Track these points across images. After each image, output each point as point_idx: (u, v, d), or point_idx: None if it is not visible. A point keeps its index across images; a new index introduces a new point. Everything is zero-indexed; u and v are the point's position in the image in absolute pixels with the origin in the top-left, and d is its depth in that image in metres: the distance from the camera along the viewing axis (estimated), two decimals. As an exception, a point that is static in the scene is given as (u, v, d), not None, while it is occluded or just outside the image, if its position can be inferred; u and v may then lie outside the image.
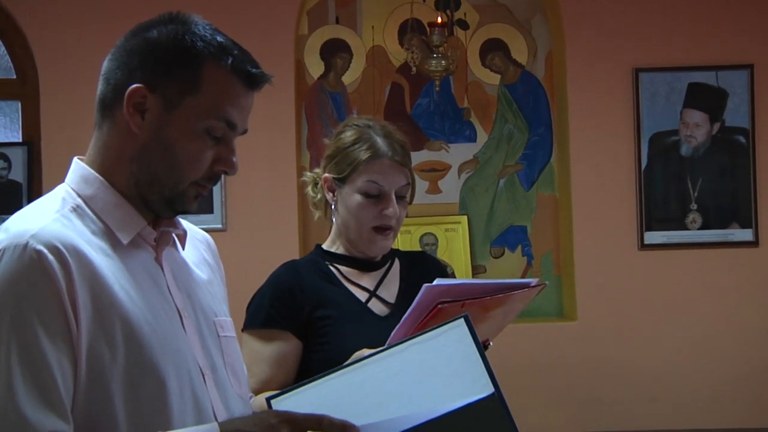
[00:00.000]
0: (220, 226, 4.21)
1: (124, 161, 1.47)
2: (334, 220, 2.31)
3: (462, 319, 1.52)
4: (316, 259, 2.31)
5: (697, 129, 4.34)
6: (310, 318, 2.19)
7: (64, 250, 1.36)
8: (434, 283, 1.97)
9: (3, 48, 4.37)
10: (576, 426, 4.16)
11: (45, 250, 1.35)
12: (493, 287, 2.02)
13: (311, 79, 4.48)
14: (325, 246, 2.33)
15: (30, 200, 4.09)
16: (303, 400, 1.44)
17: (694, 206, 4.34)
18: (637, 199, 4.32)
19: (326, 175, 2.28)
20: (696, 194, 4.34)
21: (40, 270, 1.34)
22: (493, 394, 1.42)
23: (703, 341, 4.29)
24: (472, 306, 1.93)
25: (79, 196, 1.47)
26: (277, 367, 2.16)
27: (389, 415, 1.40)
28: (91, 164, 1.50)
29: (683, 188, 4.34)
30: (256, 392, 2.07)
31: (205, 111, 1.45)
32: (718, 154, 4.34)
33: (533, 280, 2.08)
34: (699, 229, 4.33)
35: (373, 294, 2.26)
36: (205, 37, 1.46)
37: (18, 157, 4.26)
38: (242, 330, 2.20)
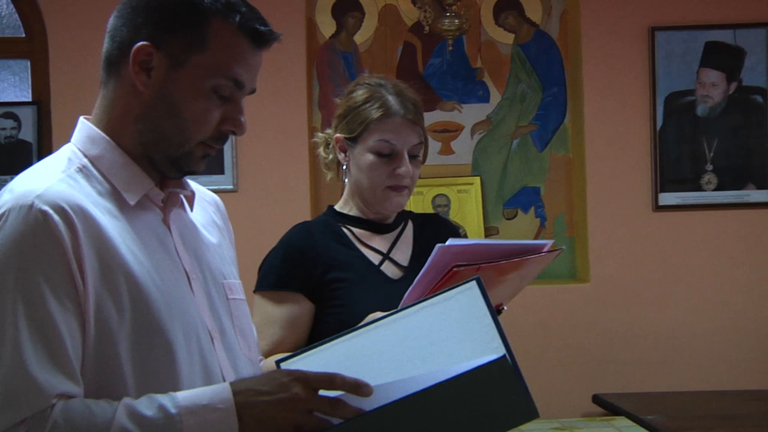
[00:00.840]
0: (231, 186, 4.19)
1: (130, 120, 1.45)
2: (346, 180, 2.29)
3: (474, 282, 1.51)
4: (329, 220, 2.29)
5: (713, 88, 4.29)
6: (323, 280, 2.17)
7: (70, 211, 1.35)
8: (447, 243, 1.95)
9: (11, 6, 4.34)
10: (587, 387, 4.16)
11: (50, 211, 1.33)
12: (507, 248, 2.00)
13: (323, 39, 4.44)
14: (337, 207, 2.31)
15: (40, 160, 4.07)
16: (313, 363, 1.43)
17: (709, 167, 4.30)
18: (651, 160, 4.28)
19: (338, 135, 2.26)
20: (711, 155, 4.30)
21: (45, 230, 1.33)
22: (504, 356, 1.41)
23: (717, 303, 4.27)
24: (488, 270, 1.91)
25: (85, 156, 1.46)
26: (288, 329, 2.15)
27: (400, 376, 1.39)
28: (97, 123, 1.48)
29: (698, 149, 4.30)
30: (268, 354, 2.06)
31: (211, 70, 1.43)
32: (735, 114, 4.29)
33: (548, 242, 2.06)
34: (714, 190, 4.29)
35: (386, 257, 2.25)
36: None
37: (28, 116, 4.24)
38: (254, 291, 2.19)
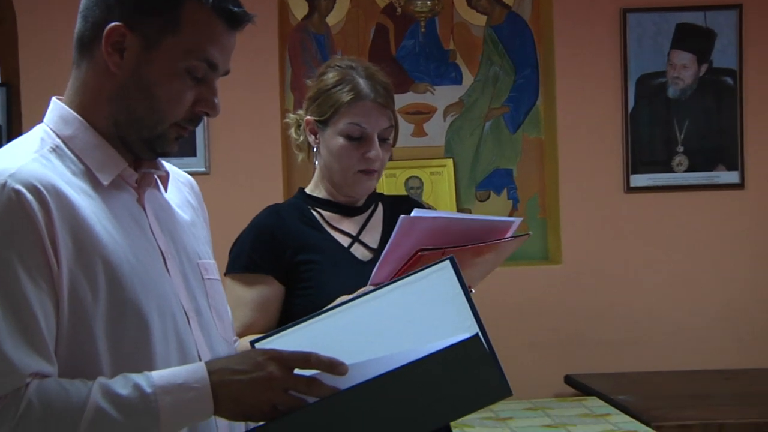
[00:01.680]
0: (203, 169, 4.18)
1: (103, 101, 1.44)
2: (317, 163, 2.29)
3: (447, 261, 1.52)
4: (299, 203, 2.29)
5: (684, 70, 4.32)
6: (292, 262, 2.18)
7: (44, 190, 1.34)
8: (412, 214, 1.96)
9: (-21, -13, 4.29)
10: (560, 368, 4.19)
11: (24, 190, 1.33)
12: (472, 224, 2.02)
13: (295, 20, 4.42)
14: (308, 190, 2.32)
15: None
16: (287, 343, 1.44)
17: (680, 149, 4.33)
18: (623, 142, 4.30)
19: (308, 117, 2.26)
20: (682, 136, 4.33)
21: (18, 209, 1.32)
22: (477, 334, 1.42)
23: (688, 284, 4.31)
24: (453, 254, 1.92)
25: (58, 136, 1.45)
26: (259, 311, 2.16)
27: (375, 356, 1.40)
28: (69, 104, 1.47)
29: (670, 131, 4.33)
30: (239, 336, 2.07)
31: (185, 51, 1.43)
32: (706, 96, 4.32)
33: (516, 220, 2.07)
34: (685, 171, 4.33)
35: (355, 239, 2.25)
36: None
37: (-3, 99, 4.21)
38: (225, 274, 2.19)
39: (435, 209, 4.31)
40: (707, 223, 4.32)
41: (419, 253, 1.91)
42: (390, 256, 1.97)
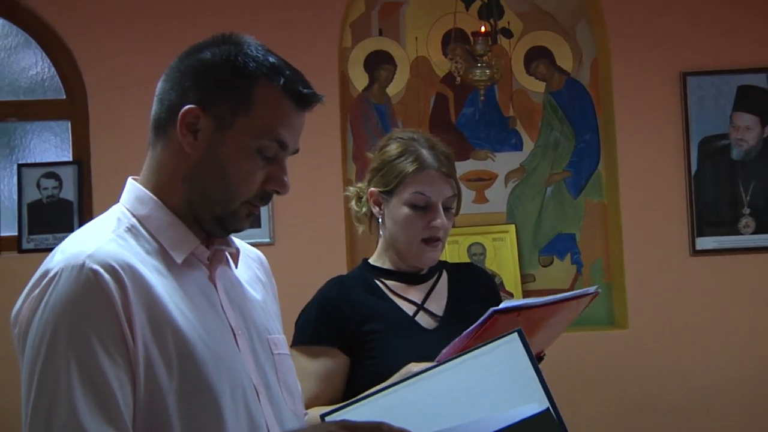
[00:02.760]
0: (268, 240, 4.23)
1: (177, 181, 1.49)
2: (381, 233, 2.31)
3: (516, 333, 1.52)
4: (363, 273, 2.31)
5: (747, 132, 4.28)
6: (357, 333, 2.19)
7: (120, 270, 1.38)
8: (501, 306, 1.96)
9: (53, 69, 4.44)
10: (630, 435, 4.12)
11: (101, 270, 1.37)
12: (554, 305, 2.01)
13: (355, 92, 4.49)
14: (371, 260, 2.34)
15: (81, 218, 4.15)
16: (357, 416, 1.44)
17: (746, 210, 4.28)
18: (687, 205, 4.26)
19: (372, 189, 2.29)
20: (748, 198, 4.28)
21: (96, 289, 1.36)
22: (548, 408, 1.42)
23: (758, 349, 4.22)
24: (528, 314, 1.92)
25: (134, 216, 1.50)
26: (324, 383, 2.17)
27: (445, 426, 1.40)
28: (145, 184, 1.52)
29: (735, 192, 4.28)
30: (305, 408, 2.08)
31: (256, 131, 1.47)
32: (770, 157, 4.28)
33: (591, 289, 2.07)
34: (752, 233, 4.27)
35: (420, 307, 2.26)
36: (258, 58, 1.48)
37: (69, 176, 4.32)
38: (290, 347, 2.21)
39: (499, 275, 4.31)
40: (777, 285, 4.24)
41: (495, 315, 1.91)
42: (468, 337, 1.97)
